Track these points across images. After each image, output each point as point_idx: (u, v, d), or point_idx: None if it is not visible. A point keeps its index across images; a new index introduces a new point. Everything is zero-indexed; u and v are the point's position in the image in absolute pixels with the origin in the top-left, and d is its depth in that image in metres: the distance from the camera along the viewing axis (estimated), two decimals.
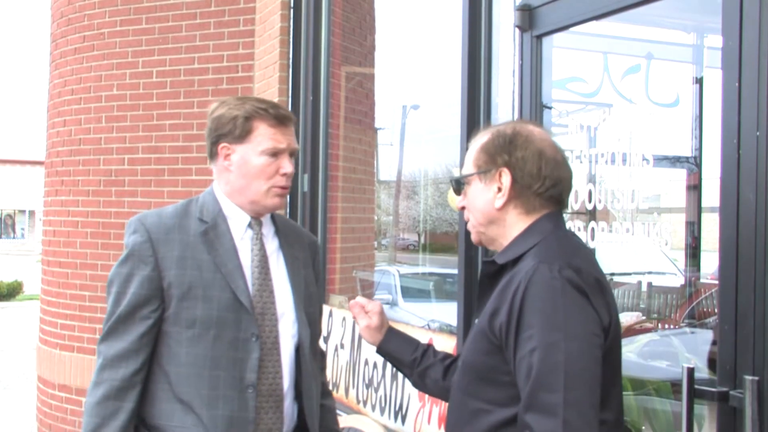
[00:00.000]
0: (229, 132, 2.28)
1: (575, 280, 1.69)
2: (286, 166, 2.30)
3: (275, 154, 2.28)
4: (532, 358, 1.65)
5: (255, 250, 2.32)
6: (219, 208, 2.32)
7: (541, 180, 1.85)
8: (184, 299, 2.21)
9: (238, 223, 2.32)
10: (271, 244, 2.38)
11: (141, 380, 2.23)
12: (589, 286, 1.71)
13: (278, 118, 2.30)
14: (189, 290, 2.21)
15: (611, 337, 1.74)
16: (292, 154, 2.34)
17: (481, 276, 1.96)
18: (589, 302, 1.69)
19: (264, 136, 2.27)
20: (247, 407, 2.22)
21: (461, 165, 2.08)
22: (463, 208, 1.98)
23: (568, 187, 1.92)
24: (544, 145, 1.88)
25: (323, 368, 2.65)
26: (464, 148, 3.25)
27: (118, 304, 2.24)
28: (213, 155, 2.34)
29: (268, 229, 2.39)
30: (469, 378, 1.84)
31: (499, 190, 1.87)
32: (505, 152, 1.87)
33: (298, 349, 2.34)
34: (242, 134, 2.27)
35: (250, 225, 2.34)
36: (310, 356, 2.39)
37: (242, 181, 2.29)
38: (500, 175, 1.87)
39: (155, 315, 2.23)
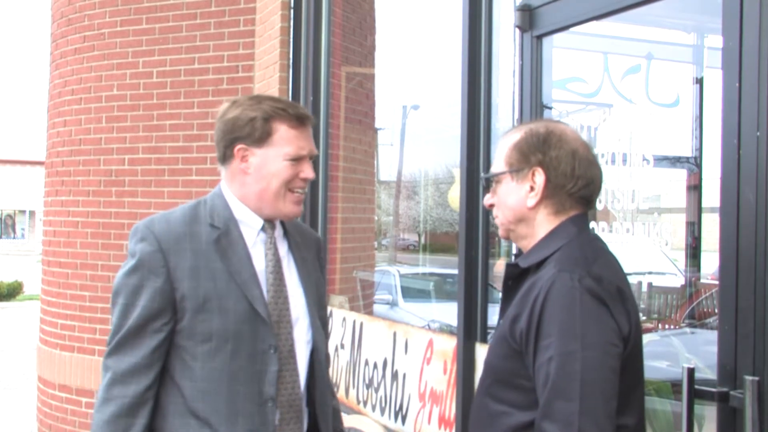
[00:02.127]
0: (248, 135, 2.18)
1: (595, 290, 1.69)
2: (307, 171, 2.22)
3: (296, 159, 2.20)
4: (549, 367, 1.67)
5: (269, 256, 2.24)
6: (230, 212, 2.22)
7: (575, 180, 1.85)
8: (200, 312, 2.12)
9: (250, 227, 2.23)
10: (282, 247, 2.30)
11: (153, 396, 2.13)
12: (609, 294, 1.71)
13: (299, 118, 2.21)
14: (204, 303, 2.11)
15: (632, 344, 1.75)
16: (312, 157, 2.26)
17: (504, 278, 1.96)
18: (608, 311, 1.70)
19: (285, 139, 2.18)
20: (266, 422, 2.14)
21: (485, 163, 2.03)
22: (491, 205, 1.97)
23: (599, 186, 1.92)
24: (577, 145, 1.87)
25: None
26: (465, 148, 3.25)
27: (126, 317, 2.13)
28: (227, 158, 2.23)
29: (277, 232, 2.30)
30: (491, 380, 1.86)
31: (532, 189, 1.86)
32: (539, 151, 1.85)
33: (312, 354, 2.28)
34: (262, 137, 2.18)
35: (263, 228, 2.25)
36: (324, 361, 2.33)
37: (261, 184, 2.20)
38: (533, 175, 1.86)
39: (167, 328, 2.13)
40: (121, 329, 2.13)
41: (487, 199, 1.98)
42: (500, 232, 1.99)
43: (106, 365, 2.15)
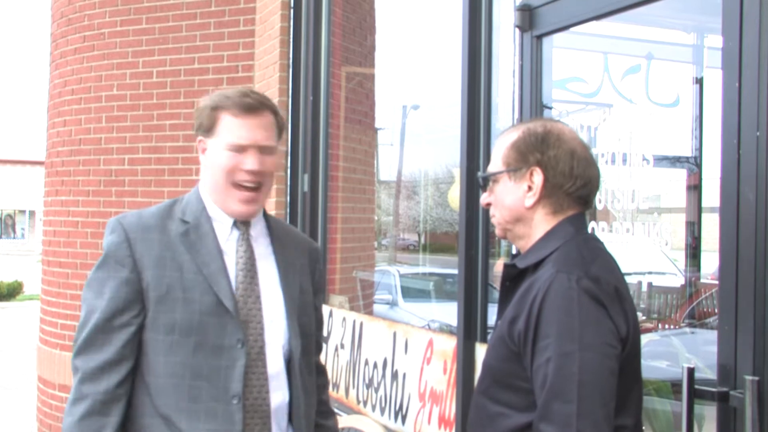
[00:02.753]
0: (201, 125, 2.11)
1: (593, 291, 1.69)
2: (249, 162, 2.07)
3: (239, 149, 2.07)
4: (547, 368, 1.66)
5: (240, 252, 2.12)
6: (203, 207, 2.14)
7: (573, 179, 1.84)
8: (162, 302, 2.02)
9: (222, 223, 2.14)
10: (261, 247, 2.19)
11: (126, 392, 2.02)
12: (607, 295, 1.71)
13: (243, 106, 2.07)
14: (167, 292, 2.02)
15: (630, 345, 1.75)
16: (265, 151, 2.10)
17: (502, 279, 1.95)
18: (606, 312, 1.69)
19: (227, 128, 2.07)
20: (232, 420, 2.02)
21: (485, 163, 2.02)
22: (488, 204, 1.96)
23: (597, 186, 1.91)
24: (575, 144, 1.86)
25: (323, 385, 2.43)
26: (464, 148, 3.25)
27: (92, 312, 2.03)
28: (197, 151, 2.18)
29: (258, 231, 2.20)
30: (489, 381, 1.85)
31: (530, 188, 1.85)
32: (537, 151, 1.84)
33: (289, 362, 2.14)
34: (209, 127, 2.09)
35: (235, 225, 2.14)
36: (303, 369, 2.17)
37: (210, 178, 2.12)
38: (532, 174, 1.85)
39: (137, 321, 2.02)
40: (87, 325, 2.04)
41: (484, 198, 1.97)
42: (497, 231, 1.97)
43: (75, 366, 2.05)
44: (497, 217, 1.94)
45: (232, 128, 2.07)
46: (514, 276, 1.89)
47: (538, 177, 1.84)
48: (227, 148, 2.07)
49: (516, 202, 1.87)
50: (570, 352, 1.64)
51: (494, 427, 1.81)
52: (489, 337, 2.04)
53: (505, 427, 1.78)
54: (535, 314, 1.70)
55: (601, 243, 1.91)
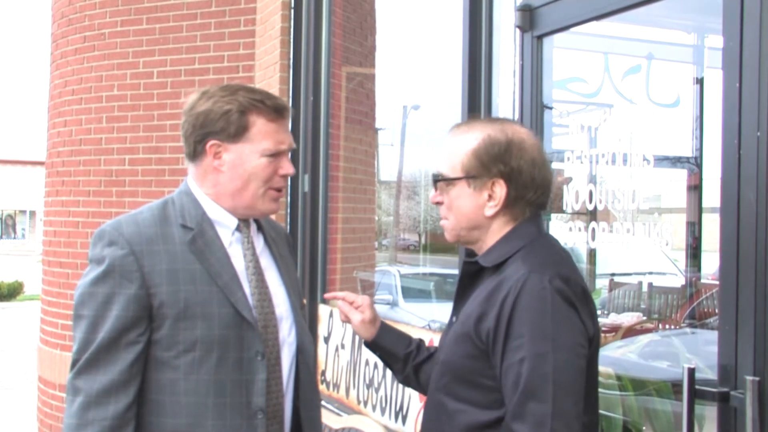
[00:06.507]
0: (222, 129, 2.00)
1: (565, 291, 1.70)
2: (287, 167, 2.07)
3: (275, 154, 2.04)
4: (521, 368, 1.66)
5: (248, 256, 2.08)
6: (202, 211, 2.05)
7: (535, 189, 1.82)
8: (181, 319, 1.94)
9: (224, 227, 2.07)
10: (257, 244, 2.15)
11: (134, 416, 1.92)
12: (577, 296, 1.73)
13: (277, 110, 2.04)
14: (186, 308, 1.94)
15: (594, 345, 1.78)
16: (290, 150, 2.11)
17: (461, 275, 1.94)
18: (576, 313, 1.71)
19: (263, 133, 2.01)
20: None
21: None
22: (439, 203, 1.90)
23: (552, 189, 1.90)
24: (535, 152, 1.83)
25: None
26: None
27: (96, 330, 1.92)
28: (198, 154, 2.04)
29: (253, 229, 2.15)
30: (449, 378, 1.83)
31: (491, 198, 1.82)
32: (500, 162, 1.79)
33: (297, 357, 2.13)
34: (238, 131, 2.00)
35: (237, 228, 2.09)
36: (311, 362, 2.18)
37: (236, 183, 2.03)
38: (493, 185, 1.81)
39: (143, 339, 1.94)
40: (90, 345, 1.92)
41: (435, 197, 1.91)
42: (447, 236, 1.93)
43: (76, 387, 1.93)
44: (451, 222, 1.89)
45: (269, 133, 2.03)
46: (473, 273, 1.89)
47: (501, 189, 1.81)
48: (265, 153, 2.02)
49: (475, 211, 1.84)
50: (544, 352, 1.65)
51: (452, 425, 1.80)
52: (443, 333, 2.02)
53: (463, 424, 1.78)
54: (507, 313, 1.69)
55: (560, 244, 1.93)
